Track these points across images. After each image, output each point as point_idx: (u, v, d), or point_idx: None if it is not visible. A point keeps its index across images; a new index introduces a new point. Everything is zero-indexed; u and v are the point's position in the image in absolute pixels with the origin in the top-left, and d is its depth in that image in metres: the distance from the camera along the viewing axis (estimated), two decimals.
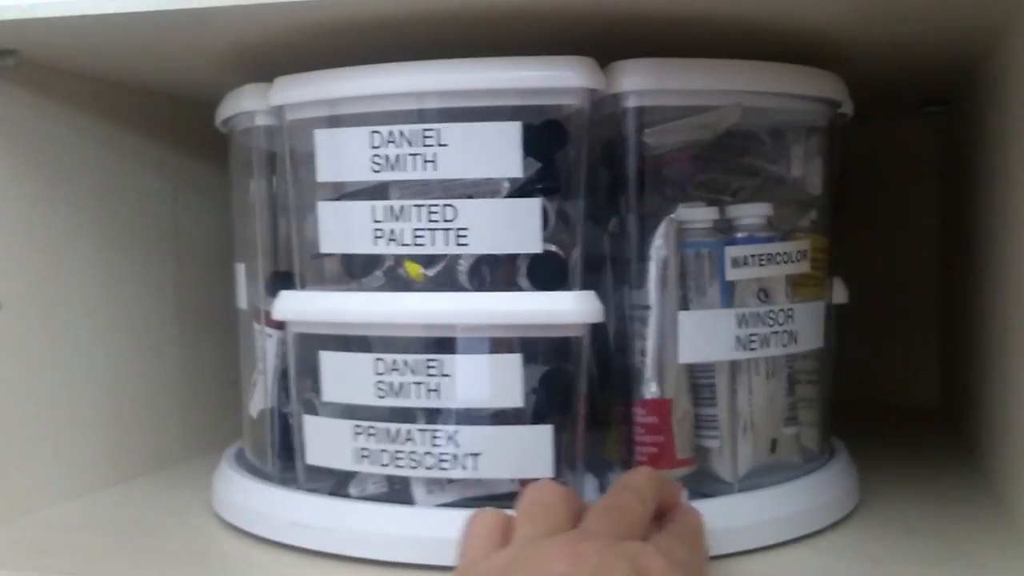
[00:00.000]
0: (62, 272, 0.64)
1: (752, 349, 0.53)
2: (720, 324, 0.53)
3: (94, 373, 0.66)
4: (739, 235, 0.54)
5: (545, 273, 0.51)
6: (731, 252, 0.53)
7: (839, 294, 0.60)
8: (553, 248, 0.51)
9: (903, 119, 0.89)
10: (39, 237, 0.62)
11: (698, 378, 0.54)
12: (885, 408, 0.87)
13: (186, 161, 0.75)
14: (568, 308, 0.50)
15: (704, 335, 0.52)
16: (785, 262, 0.54)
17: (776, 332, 0.54)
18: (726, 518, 0.51)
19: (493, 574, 0.39)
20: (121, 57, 0.61)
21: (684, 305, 0.53)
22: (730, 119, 0.53)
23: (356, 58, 0.52)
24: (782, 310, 0.54)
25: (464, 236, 0.50)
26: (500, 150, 0.50)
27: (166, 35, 0.55)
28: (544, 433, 0.50)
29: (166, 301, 0.73)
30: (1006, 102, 0.58)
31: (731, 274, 0.53)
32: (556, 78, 0.50)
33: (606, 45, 0.52)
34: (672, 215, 0.53)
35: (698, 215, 0.53)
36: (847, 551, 0.52)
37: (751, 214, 0.54)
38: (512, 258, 0.51)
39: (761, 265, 0.54)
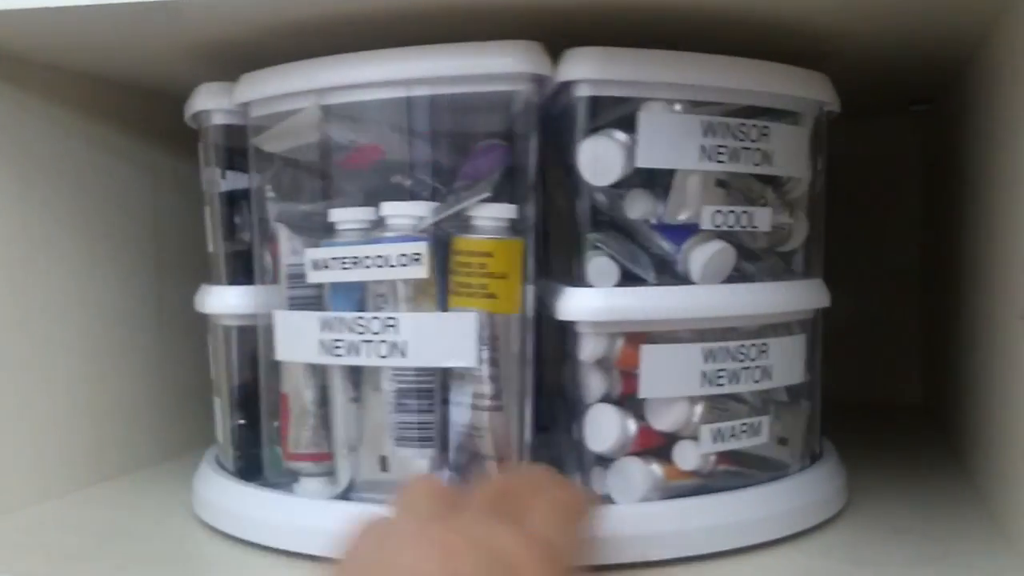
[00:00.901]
0: (38, 268, 0.63)
1: (338, 355, 0.51)
2: (306, 326, 0.52)
3: (71, 372, 0.65)
4: (387, 235, 0.51)
5: None
6: (311, 254, 0.52)
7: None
8: None
9: (888, 118, 0.90)
10: (14, 232, 0.61)
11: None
12: (870, 407, 0.87)
13: (164, 156, 0.74)
14: None
15: (291, 335, 0.53)
16: (383, 266, 0.51)
17: (371, 341, 0.51)
18: (711, 516, 0.51)
19: (360, 570, 0.39)
20: (95, 50, 0.60)
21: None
22: (311, 121, 0.52)
23: (326, 53, 0.52)
24: (377, 318, 0.51)
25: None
26: None
27: (138, 28, 0.54)
28: None
29: (145, 298, 0.72)
30: (990, 101, 0.58)
31: (312, 276, 0.52)
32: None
33: (582, 36, 0.51)
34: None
35: (347, 215, 0.52)
36: (833, 551, 0.52)
37: (399, 213, 0.51)
38: None
39: (345, 268, 0.51)
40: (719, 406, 0.53)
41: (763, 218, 0.53)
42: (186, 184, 0.74)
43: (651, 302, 0.51)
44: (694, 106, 0.51)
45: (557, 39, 0.50)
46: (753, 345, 0.53)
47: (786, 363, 0.54)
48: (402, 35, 0.51)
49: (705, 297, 0.52)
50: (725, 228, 0.52)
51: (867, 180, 0.91)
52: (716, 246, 0.52)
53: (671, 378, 0.51)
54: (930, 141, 0.87)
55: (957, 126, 0.71)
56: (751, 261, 0.55)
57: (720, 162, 0.51)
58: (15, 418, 0.61)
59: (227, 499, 0.57)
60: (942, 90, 0.77)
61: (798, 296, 0.56)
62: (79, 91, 0.66)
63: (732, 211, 0.52)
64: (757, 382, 0.53)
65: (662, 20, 0.53)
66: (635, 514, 0.50)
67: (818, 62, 0.58)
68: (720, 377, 0.51)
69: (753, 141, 0.52)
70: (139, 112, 0.72)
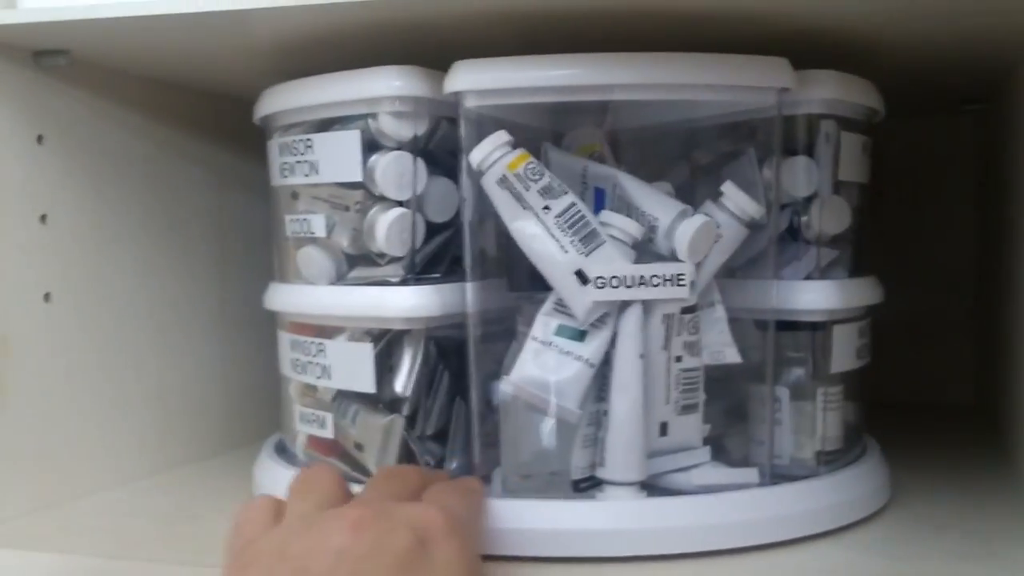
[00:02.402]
0: (109, 265, 0.65)
1: None
2: None
3: (140, 364, 0.68)
4: None
5: None
6: None
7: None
8: None
9: (941, 117, 0.89)
10: (88, 231, 0.64)
11: None
12: (921, 407, 0.86)
13: (230, 157, 0.77)
14: None
15: None
16: None
17: None
18: (753, 510, 0.52)
19: (269, 554, 0.39)
20: (167, 56, 0.62)
21: None
22: None
23: (389, 58, 0.53)
24: None
25: None
26: None
27: (205, 35, 0.56)
28: None
29: (210, 294, 0.75)
30: None
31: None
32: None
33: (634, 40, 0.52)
34: None
35: None
36: (875, 547, 0.52)
37: None
38: None
39: None
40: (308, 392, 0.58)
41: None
42: (249, 184, 0.77)
43: None
44: None
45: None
46: (313, 343, 0.56)
47: (348, 368, 0.55)
48: (450, 41, 0.53)
49: None
50: None
51: (920, 179, 0.90)
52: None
53: None
54: (983, 140, 0.86)
55: (1010, 125, 0.70)
56: None
57: None
58: (88, 408, 0.64)
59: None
60: (995, 89, 0.76)
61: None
62: (148, 95, 0.69)
63: None
64: (319, 378, 0.56)
65: (697, 24, 0.54)
66: (683, 506, 0.52)
67: (870, 64, 0.58)
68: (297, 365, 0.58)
69: None
70: (205, 115, 0.74)
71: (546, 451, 0.53)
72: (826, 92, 0.55)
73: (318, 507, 0.42)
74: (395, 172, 0.54)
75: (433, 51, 0.54)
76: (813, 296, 0.56)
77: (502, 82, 0.51)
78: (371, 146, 0.54)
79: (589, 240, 0.50)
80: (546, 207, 0.50)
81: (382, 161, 0.54)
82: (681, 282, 0.50)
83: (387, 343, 0.55)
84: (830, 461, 0.57)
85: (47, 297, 0.61)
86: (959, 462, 0.68)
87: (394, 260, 0.55)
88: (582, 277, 0.50)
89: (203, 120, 0.74)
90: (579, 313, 0.51)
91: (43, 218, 0.60)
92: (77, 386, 0.63)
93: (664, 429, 0.53)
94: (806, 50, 0.54)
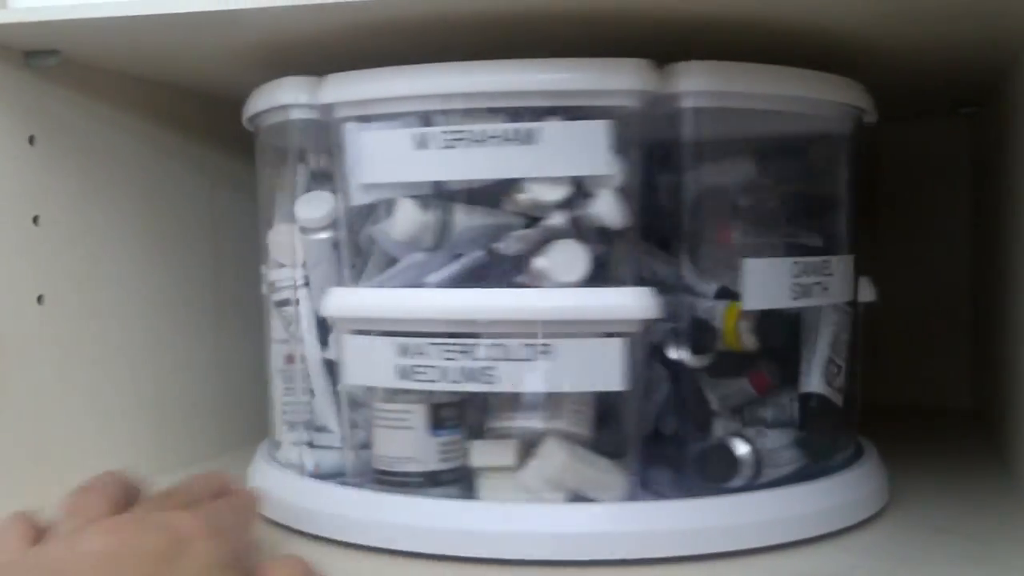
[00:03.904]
0: (102, 266, 0.65)
1: None
2: None
3: (133, 366, 0.68)
4: None
5: None
6: None
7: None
8: None
9: (936, 121, 0.89)
10: (80, 233, 0.63)
11: None
12: (917, 411, 0.86)
13: (221, 158, 0.76)
14: None
15: None
16: None
17: None
18: (751, 513, 0.52)
19: (24, 567, 0.39)
20: (158, 56, 0.62)
21: None
22: None
23: (381, 59, 0.53)
24: None
25: None
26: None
27: (198, 35, 0.56)
28: None
29: (203, 295, 0.75)
30: None
31: None
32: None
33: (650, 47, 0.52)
34: None
35: None
36: (874, 549, 0.52)
37: None
38: None
39: None
40: None
41: None
42: (241, 184, 0.76)
43: None
44: None
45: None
46: None
47: None
48: (441, 42, 0.53)
49: None
50: None
51: (916, 183, 0.90)
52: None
53: None
54: (979, 144, 0.86)
55: (1005, 128, 0.70)
56: None
57: None
58: (81, 410, 0.63)
59: (280, 490, 0.58)
60: (990, 93, 0.76)
61: None
62: (140, 95, 0.68)
63: None
64: None
65: (700, 31, 0.54)
66: (676, 509, 0.51)
67: (858, 68, 0.58)
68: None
69: None
70: (197, 116, 0.74)
71: None
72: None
73: (88, 520, 0.42)
74: None
75: (430, 52, 0.53)
76: None
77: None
78: None
79: None
80: None
81: None
82: None
83: None
84: None
85: (40, 299, 0.60)
86: (956, 466, 0.68)
87: None
88: None
89: (195, 120, 0.74)
90: None
91: (35, 219, 0.60)
92: (70, 388, 0.62)
93: None
94: (801, 54, 0.54)
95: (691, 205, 0.54)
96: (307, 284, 0.59)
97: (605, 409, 0.53)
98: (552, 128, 0.50)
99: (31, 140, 0.60)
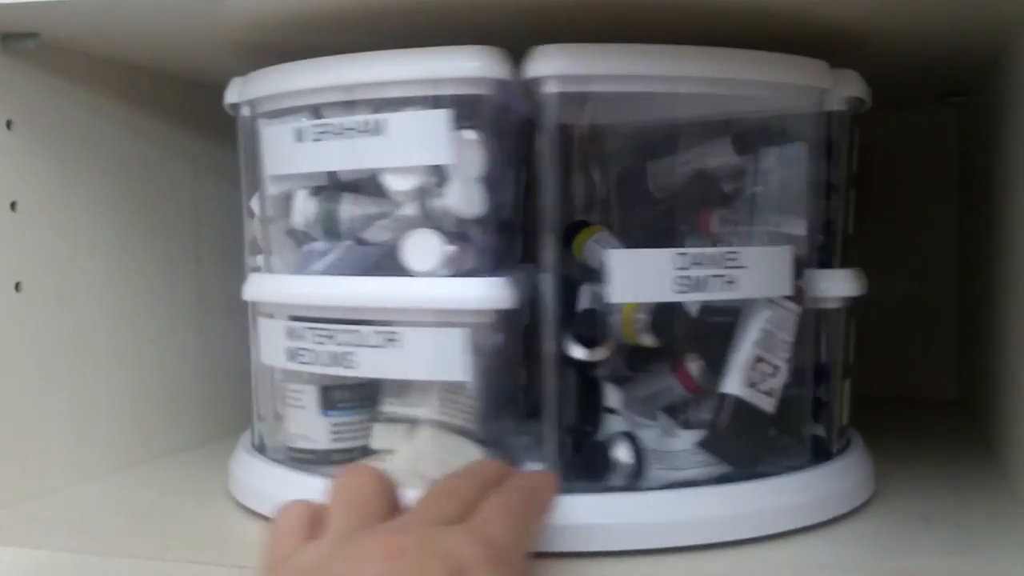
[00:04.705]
0: (81, 254, 0.64)
1: None
2: None
3: (114, 355, 0.67)
4: None
5: None
6: None
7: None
8: None
9: (925, 110, 0.89)
10: (59, 219, 0.62)
11: None
12: (904, 400, 0.86)
13: (204, 144, 0.76)
14: None
15: None
16: None
17: None
18: (735, 504, 0.51)
19: (304, 574, 0.38)
20: (139, 40, 0.61)
21: None
22: None
23: (368, 45, 0.52)
24: None
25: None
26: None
27: (179, 18, 0.55)
28: None
29: (185, 283, 0.74)
30: None
31: None
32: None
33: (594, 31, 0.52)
34: None
35: None
36: (862, 540, 0.52)
37: None
38: None
39: None
40: None
41: None
42: (224, 171, 0.76)
43: None
44: None
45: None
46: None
47: None
48: (425, 28, 0.52)
49: None
50: None
51: (903, 172, 0.90)
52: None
53: None
54: (968, 132, 0.86)
55: (994, 118, 0.70)
56: None
57: None
58: (59, 400, 0.62)
59: (258, 480, 0.58)
60: (979, 82, 0.76)
61: None
62: (120, 80, 0.67)
63: None
64: None
65: (687, 14, 0.53)
66: (662, 500, 0.51)
67: (853, 56, 0.57)
68: None
69: None
70: (179, 100, 0.73)
71: None
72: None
73: (360, 523, 0.41)
74: None
75: (423, 35, 0.53)
76: None
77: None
78: None
79: None
80: None
81: None
82: None
83: None
84: None
85: (18, 287, 0.59)
86: (943, 455, 0.68)
87: None
88: None
89: (177, 106, 0.73)
90: None
91: (13, 205, 0.59)
92: (49, 377, 0.62)
93: None
94: (792, 41, 0.54)
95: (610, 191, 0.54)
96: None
97: (491, 400, 0.53)
98: (396, 119, 0.50)
99: (8, 125, 0.59)
